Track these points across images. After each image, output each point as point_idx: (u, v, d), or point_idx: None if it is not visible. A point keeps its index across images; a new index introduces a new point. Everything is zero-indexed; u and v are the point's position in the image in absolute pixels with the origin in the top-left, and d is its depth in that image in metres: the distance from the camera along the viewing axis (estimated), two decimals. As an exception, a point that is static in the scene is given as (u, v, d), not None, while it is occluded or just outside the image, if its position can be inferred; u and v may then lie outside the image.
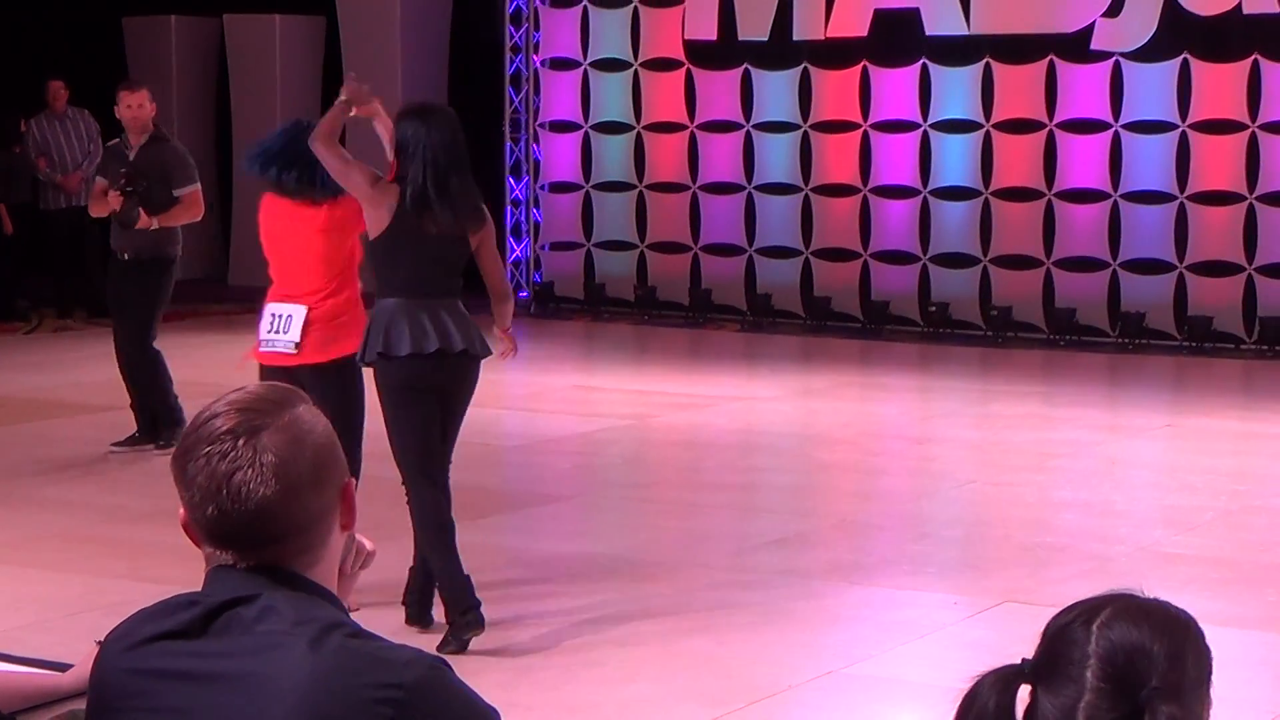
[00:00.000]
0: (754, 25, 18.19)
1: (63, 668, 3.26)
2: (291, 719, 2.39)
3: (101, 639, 2.66)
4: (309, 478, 2.53)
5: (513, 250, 19.74)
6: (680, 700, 6.82)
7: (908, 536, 9.60)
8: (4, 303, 18.33)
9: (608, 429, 12.68)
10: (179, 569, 8.29)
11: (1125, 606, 2.32)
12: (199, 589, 2.59)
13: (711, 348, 17.31)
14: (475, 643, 7.41)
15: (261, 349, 8.27)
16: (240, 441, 2.50)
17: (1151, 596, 2.34)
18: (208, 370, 14.74)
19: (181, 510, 2.57)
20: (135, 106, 11.69)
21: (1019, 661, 2.34)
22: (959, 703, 2.32)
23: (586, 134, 19.36)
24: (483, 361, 7.89)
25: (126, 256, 11.62)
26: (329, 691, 2.39)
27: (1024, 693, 2.32)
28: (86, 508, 9.75)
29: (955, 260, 17.50)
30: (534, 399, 14.12)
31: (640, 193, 19.10)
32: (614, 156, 19.20)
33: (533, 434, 12.63)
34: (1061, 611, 2.34)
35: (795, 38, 18.00)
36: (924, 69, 17.44)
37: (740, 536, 9.53)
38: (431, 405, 7.66)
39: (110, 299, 11.95)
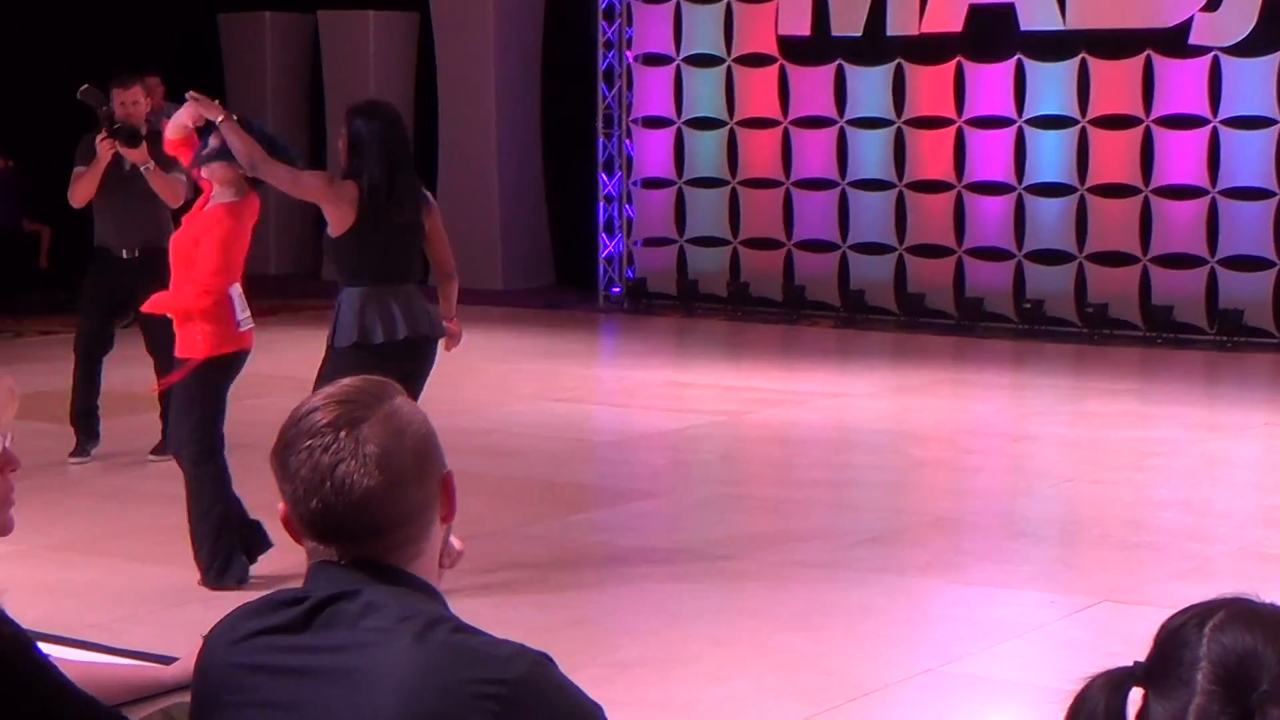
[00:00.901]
0: (848, 21, 18.11)
1: (168, 660, 3.26)
2: (396, 714, 2.38)
3: (205, 634, 2.66)
4: (411, 469, 2.53)
5: (605, 246, 19.74)
6: (776, 698, 6.80)
7: (1004, 534, 9.53)
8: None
9: (701, 425, 12.65)
10: (277, 563, 8.35)
11: (1239, 610, 2.28)
12: (298, 583, 2.59)
13: (804, 344, 17.25)
14: (570, 640, 7.40)
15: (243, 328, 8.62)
16: (342, 434, 2.51)
17: (1267, 601, 2.31)
18: (299, 365, 14.83)
19: (281, 505, 2.57)
20: (130, 104, 11.27)
21: (1130, 664, 2.30)
22: (1069, 704, 2.29)
23: (679, 130, 19.33)
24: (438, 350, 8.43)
25: (125, 255, 11.24)
26: (433, 687, 2.38)
27: (1136, 696, 2.28)
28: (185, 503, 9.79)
29: (1051, 257, 17.37)
30: (627, 395, 14.12)
31: (733, 189, 19.06)
32: (707, 152, 19.17)
33: (626, 430, 12.62)
34: (1175, 614, 2.30)
35: (889, 33, 17.91)
36: (1019, 64, 17.32)
37: (835, 534, 9.48)
38: None
39: (109, 300, 11.39)
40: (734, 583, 8.51)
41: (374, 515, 2.50)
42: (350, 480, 2.48)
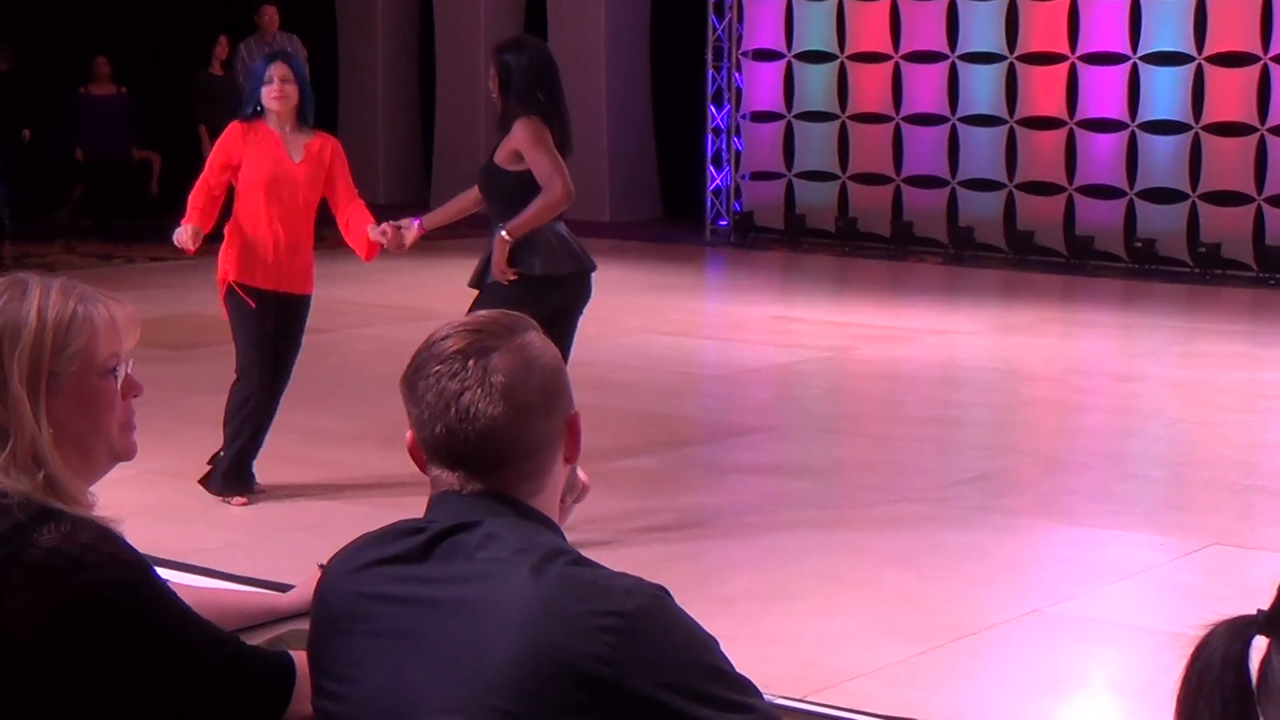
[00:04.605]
0: (961, -46, 17.97)
1: (283, 588, 3.28)
2: (513, 645, 2.38)
3: (324, 562, 2.67)
4: (537, 402, 2.53)
5: (713, 179, 19.69)
6: (882, 635, 6.78)
7: (1112, 475, 9.46)
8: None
9: (807, 360, 12.62)
10: (383, 493, 8.40)
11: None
12: (402, 513, 2.60)
13: (912, 280, 17.18)
14: (676, 574, 7.40)
15: None
16: (470, 362, 2.51)
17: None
18: (410, 294, 14.89)
19: (409, 433, 2.58)
20: None
21: (1254, 612, 2.26)
22: (1191, 651, 2.25)
23: (789, 63, 19.22)
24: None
25: None
26: (550, 618, 2.38)
27: (1260, 644, 2.24)
28: (293, 430, 9.85)
29: (1163, 195, 17.19)
30: (734, 329, 14.10)
31: (843, 123, 18.95)
32: (817, 86, 19.05)
33: (732, 364, 12.60)
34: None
35: (1003, -33, 17.75)
36: (1135, 0, 17.12)
37: (941, 472, 9.44)
38: None
39: None
40: (840, 519, 8.48)
41: (496, 445, 2.50)
42: (475, 408, 2.49)
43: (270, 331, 8.62)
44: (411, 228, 8.42)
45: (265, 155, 8.51)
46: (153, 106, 19.53)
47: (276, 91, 8.49)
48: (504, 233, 7.93)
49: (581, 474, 2.72)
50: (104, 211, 19.09)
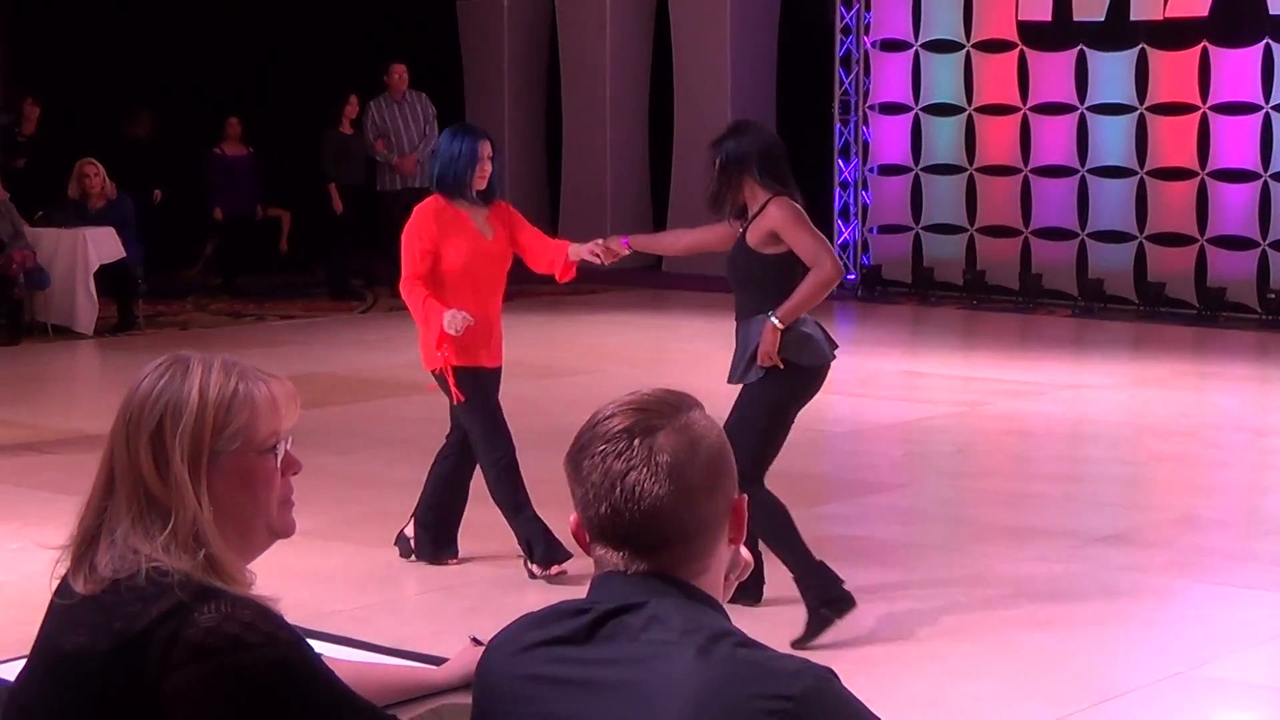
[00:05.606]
0: (1089, 5, 17.84)
1: (438, 661, 3.27)
2: (680, 729, 2.36)
3: (477, 636, 2.66)
4: (702, 482, 2.52)
5: (841, 233, 19.64)
6: (1023, 698, 6.70)
7: (1253, 533, 9.33)
8: (340, 282, 18.75)
9: (937, 416, 12.54)
10: (518, 553, 8.36)
11: None
12: (557, 591, 2.59)
13: (1042, 333, 17.05)
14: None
15: None
16: (636, 441, 2.51)
17: None
18: (535, 350, 14.92)
19: (573, 515, 2.57)
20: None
21: None
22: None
23: (917, 116, 19.18)
24: None
25: None
26: (717, 702, 2.36)
27: None
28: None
29: (1298, 246, 17.01)
30: (862, 384, 14.01)
31: (971, 175, 18.87)
32: (944, 139, 18.99)
33: (861, 420, 12.53)
34: None
35: (1132, 18, 17.62)
36: (1267, 49, 16.95)
37: (1076, 530, 9.34)
38: None
39: None
40: (975, 579, 8.40)
41: (662, 525, 2.49)
42: (640, 488, 2.48)
43: (496, 402, 8.46)
44: (619, 245, 8.33)
45: (462, 238, 8.24)
46: (283, 165, 19.73)
47: (488, 171, 8.32)
48: (775, 319, 7.53)
49: (744, 551, 2.70)
50: (234, 269, 19.30)
